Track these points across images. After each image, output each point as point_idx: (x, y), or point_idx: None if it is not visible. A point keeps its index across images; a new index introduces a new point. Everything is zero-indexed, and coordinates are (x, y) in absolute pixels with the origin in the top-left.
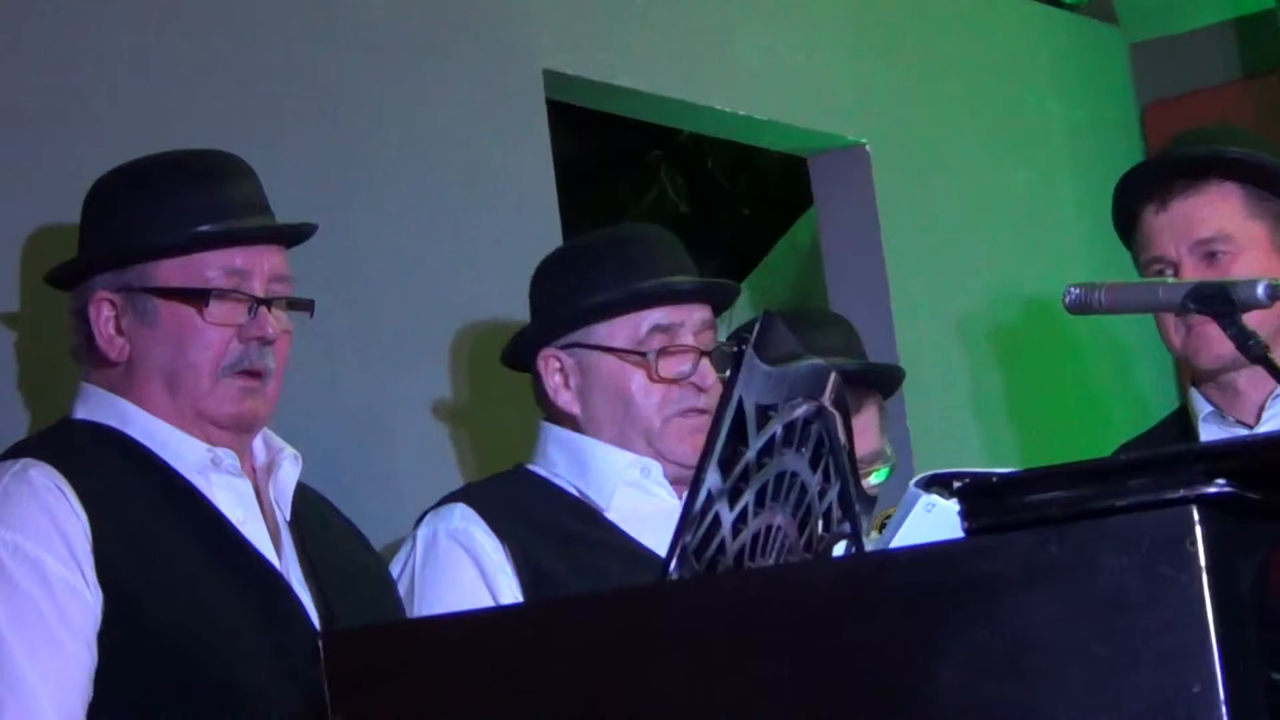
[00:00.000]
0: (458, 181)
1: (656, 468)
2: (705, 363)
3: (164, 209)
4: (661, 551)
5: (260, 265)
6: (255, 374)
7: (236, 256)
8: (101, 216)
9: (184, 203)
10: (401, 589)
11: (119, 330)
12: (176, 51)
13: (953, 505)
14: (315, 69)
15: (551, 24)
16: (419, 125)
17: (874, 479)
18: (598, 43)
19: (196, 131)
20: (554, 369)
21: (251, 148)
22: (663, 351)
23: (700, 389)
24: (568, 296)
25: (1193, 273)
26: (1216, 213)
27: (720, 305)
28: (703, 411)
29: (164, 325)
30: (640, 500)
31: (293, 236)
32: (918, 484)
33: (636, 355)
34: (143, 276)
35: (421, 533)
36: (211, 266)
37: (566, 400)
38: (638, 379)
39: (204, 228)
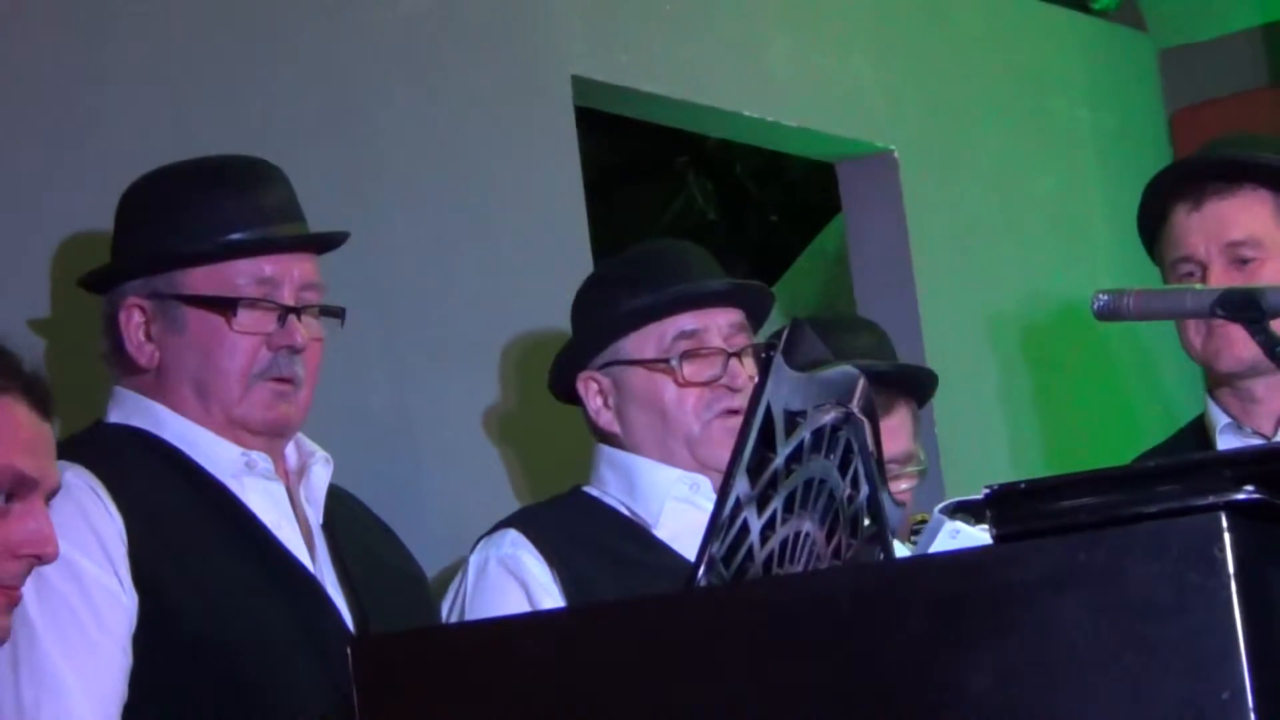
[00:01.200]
0: (486, 188)
1: (705, 483)
2: (735, 363)
3: (195, 216)
4: None
5: (290, 273)
6: (286, 380)
7: (266, 265)
8: (134, 222)
9: (215, 210)
10: (454, 616)
11: (149, 337)
12: (206, 58)
13: (977, 532)
14: (344, 76)
15: (580, 30)
16: (448, 131)
17: (906, 484)
18: (626, 49)
19: (226, 138)
20: (594, 391)
21: (280, 154)
22: (686, 355)
23: (732, 390)
24: (597, 315)
25: (1221, 275)
26: (1249, 217)
27: (753, 308)
28: (738, 413)
29: (193, 333)
30: (690, 516)
31: (324, 244)
32: (943, 510)
33: (662, 363)
34: (172, 284)
35: (474, 560)
36: (241, 275)
37: (608, 420)
38: (668, 387)
39: (234, 236)
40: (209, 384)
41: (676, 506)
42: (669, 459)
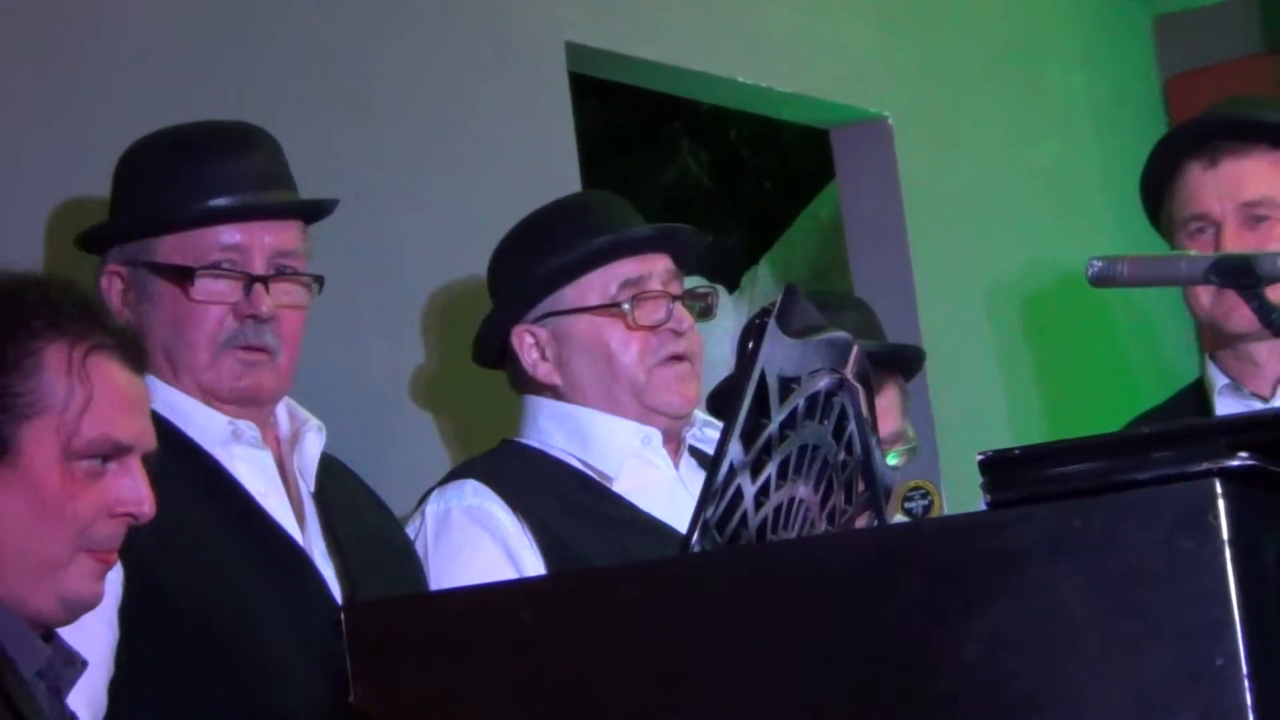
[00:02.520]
0: (480, 155)
1: (656, 436)
2: (679, 307)
3: (172, 183)
4: (670, 522)
5: (261, 240)
6: (256, 349)
7: (236, 233)
8: (123, 187)
9: (192, 177)
10: None
11: (125, 304)
12: (202, 22)
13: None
14: (337, 41)
15: None
16: (442, 99)
17: (889, 460)
18: (620, 15)
19: (221, 102)
20: (529, 344)
21: (274, 121)
22: (637, 299)
23: (678, 333)
24: (527, 270)
25: (1234, 234)
26: (1264, 177)
27: (684, 253)
28: (684, 358)
29: (160, 302)
30: (644, 471)
31: (309, 212)
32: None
33: (611, 308)
34: (146, 251)
35: (431, 509)
36: (207, 243)
37: (546, 372)
38: (616, 332)
39: (207, 203)
40: (176, 353)
41: (634, 464)
42: (615, 408)
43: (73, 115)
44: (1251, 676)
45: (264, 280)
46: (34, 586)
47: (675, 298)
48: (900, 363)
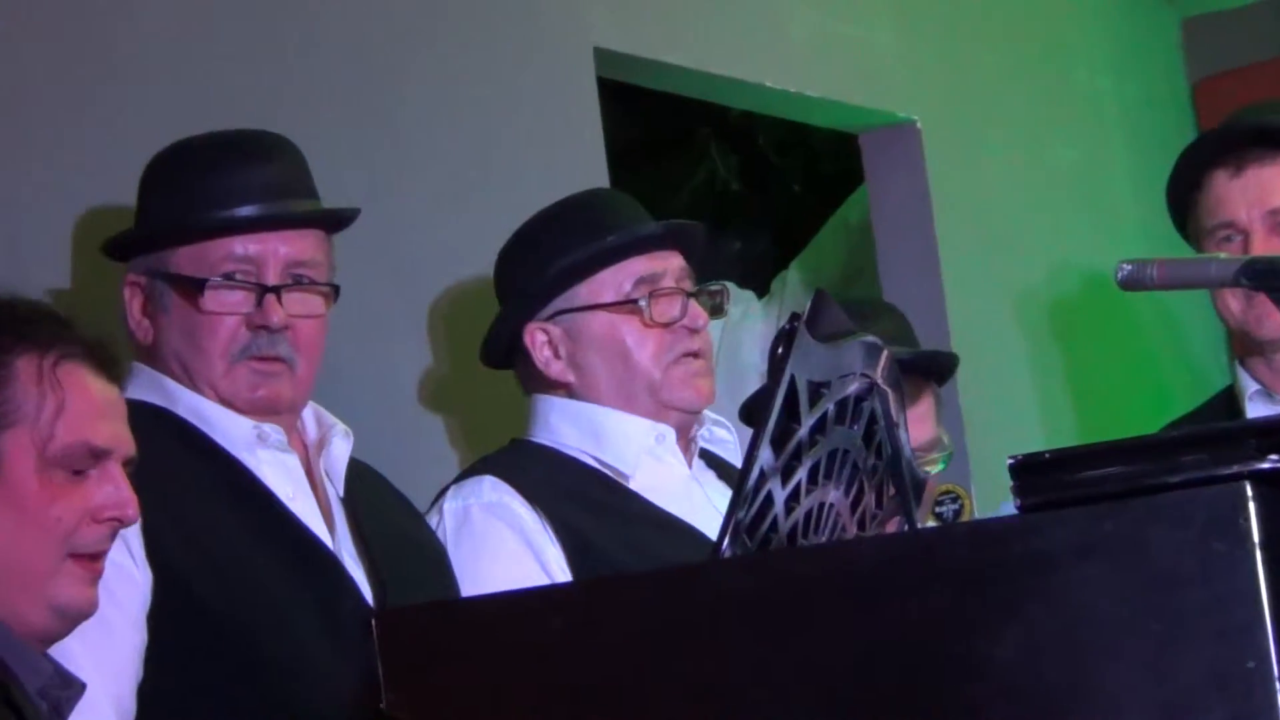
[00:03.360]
0: (510, 161)
1: (670, 434)
2: (693, 304)
3: (190, 193)
4: (686, 519)
5: (276, 251)
6: (270, 359)
7: (249, 244)
8: (145, 196)
9: (209, 187)
10: None
11: (145, 314)
12: (228, 31)
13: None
14: (366, 49)
15: (603, 2)
16: (471, 104)
17: (934, 470)
18: (649, 20)
19: (246, 111)
20: (541, 342)
21: (302, 128)
22: (652, 295)
23: (693, 330)
24: (540, 268)
25: (1262, 241)
26: None
27: (690, 252)
28: (698, 355)
29: (175, 312)
30: (658, 469)
31: (320, 221)
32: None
33: (628, 304)
34: (163, 262)
35: (450, 507)
36: (219, 254)
37: (559, 370)
38: (631, 330)
39: (220, 213)
40: (191, 363)
41: (650, 462)
42: (629, 405)
43: (100, 123)
44: None
45: (277, 290)
46: (26, 599)
47: (689, 294)
48: (935, 370)
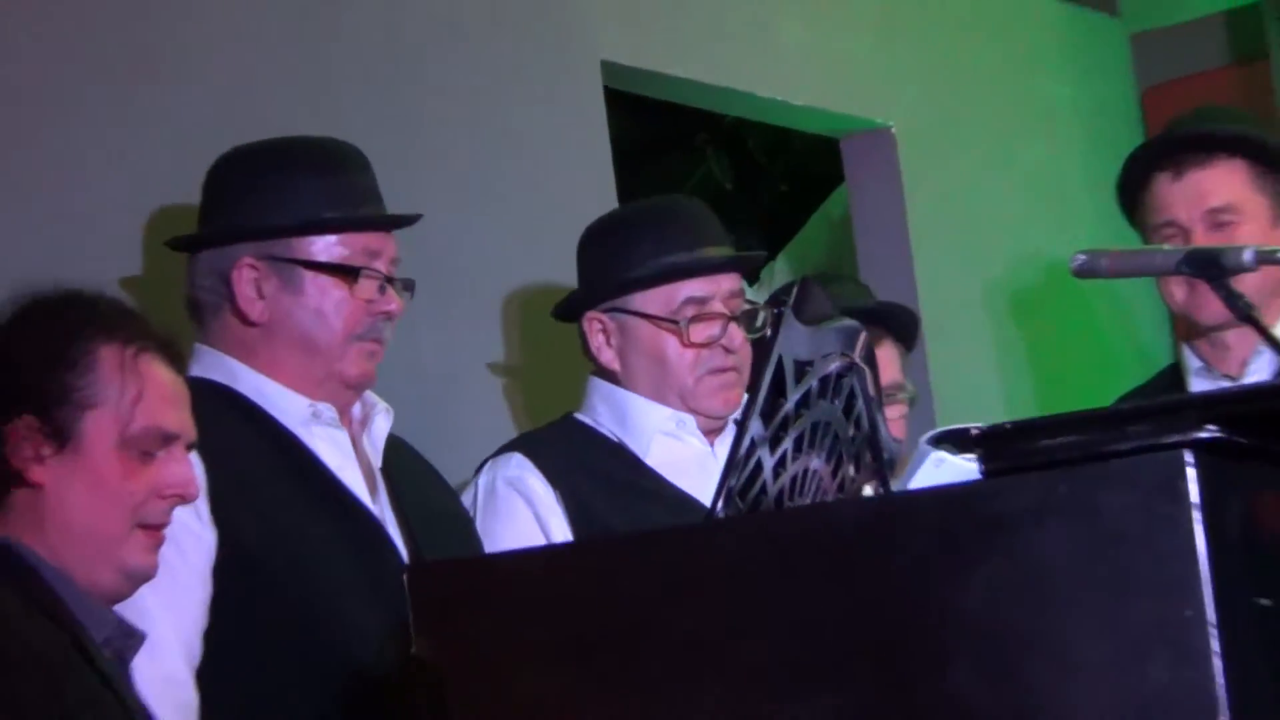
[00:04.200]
0: (526, 164)
1: (691, 420)
2: (734, 326)
3: (305, 192)
4: (696, 495)
5: (387, 248)
6: (377, 341)
7: (372, 240)
8: (239, 192)
9: (322, 187)
10: None
11: (260, 294)
12: (272, 51)
13: (959, 461)
14: (395, 63)
15: (609, 18)
16: (490, 113)
17: (899, 408)
18: (651, 36)
19: (288, 123)
20: (597, 329)
21: (343, 136)
22: (694, 319)
23: (729, 350)
24: (609, 267)
25: (1202, 237)
26: (1226, 184)
27: (751, 272)
28: (732, 370)
29: (309, 294)
30: (676, 448)
31: (405, 224)
32: (928, 441)
33: (670, 323)
34: (290, 249)
35: (482, 480)
36: (352, 246)
37: (609, 358)
38: (672, 344)
39: (353, 212)
40: (317, 341)
41: (664, 440)
42: (660, 400)
43: (162, 138)
44: (1217, 625)
45: (392, 282)
46: (98, 562)
47: (732, 318)
48: (892, 321)
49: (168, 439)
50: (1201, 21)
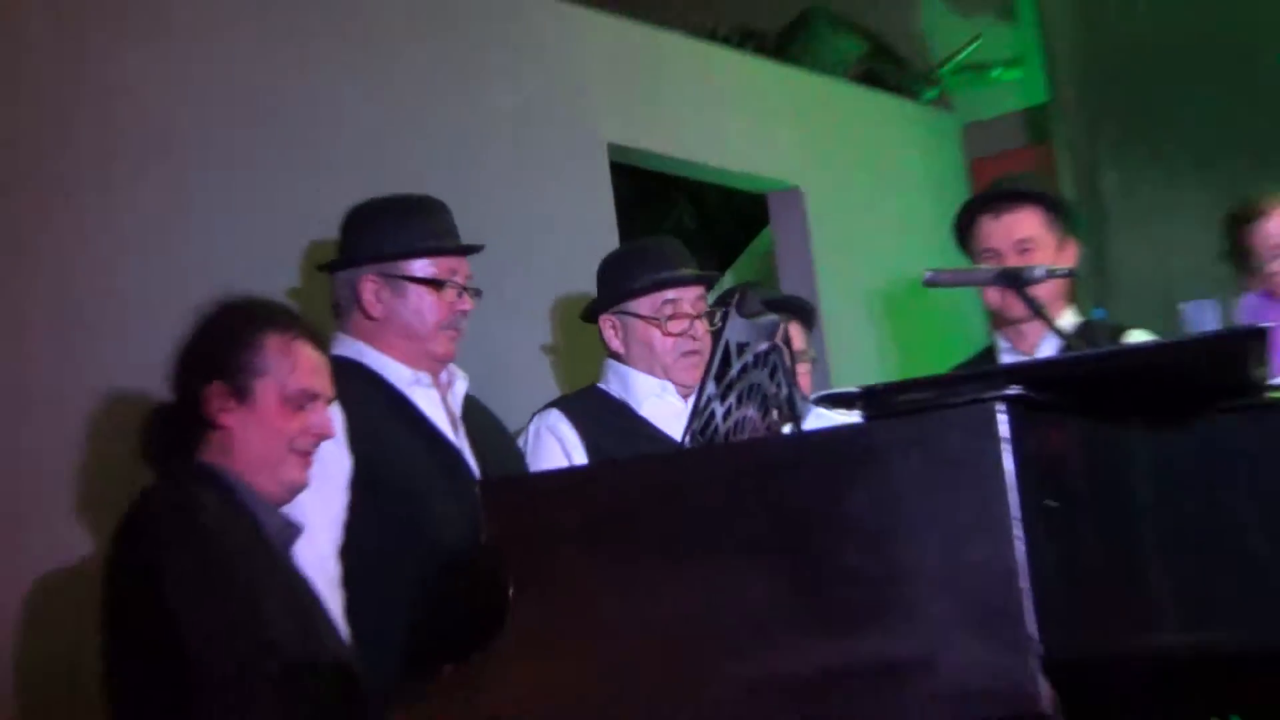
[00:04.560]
0: (556, 216)
1: (670, 386)
2: (698, 322)
3: (407, 230)
4: (673, 435)
5: (462, 267)
6: (456, 330)
7: (453, 263)
8: (364, 231)
9: (419, 227)
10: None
11: (378, 299)
12: (381, 146)
13: (835, 415)
14: (453, 150)
15: (612, 114)
16: (518, 185)
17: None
18: (640, 125)
19: (390, 181)
20: (608, 326)
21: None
22: (671, 317)
23: (694, 338)
24: (616, 283)
25: (1011, 260)
26: (1028, 223)
27: (709, 284)
28: (697, 352)
29: (410, 299)
30: (660, 405)
31: (474, 251)
32: (814, 401)
33: (655, 320)
34: (398, 269)
35: (532, 427)
36: (439, 266)
37: (616, 346)
38: (656, 335)
39: (433, 244)
40: (417, 330)
41: (653, 400)
42: (650, 374)
43: (311, 187)
44: (1020, 524)
45: (466, 290)
46: (266, 477)
47: (696, 316)
48: (799, 309)
49: (313, 396)
50: (1009, 115)
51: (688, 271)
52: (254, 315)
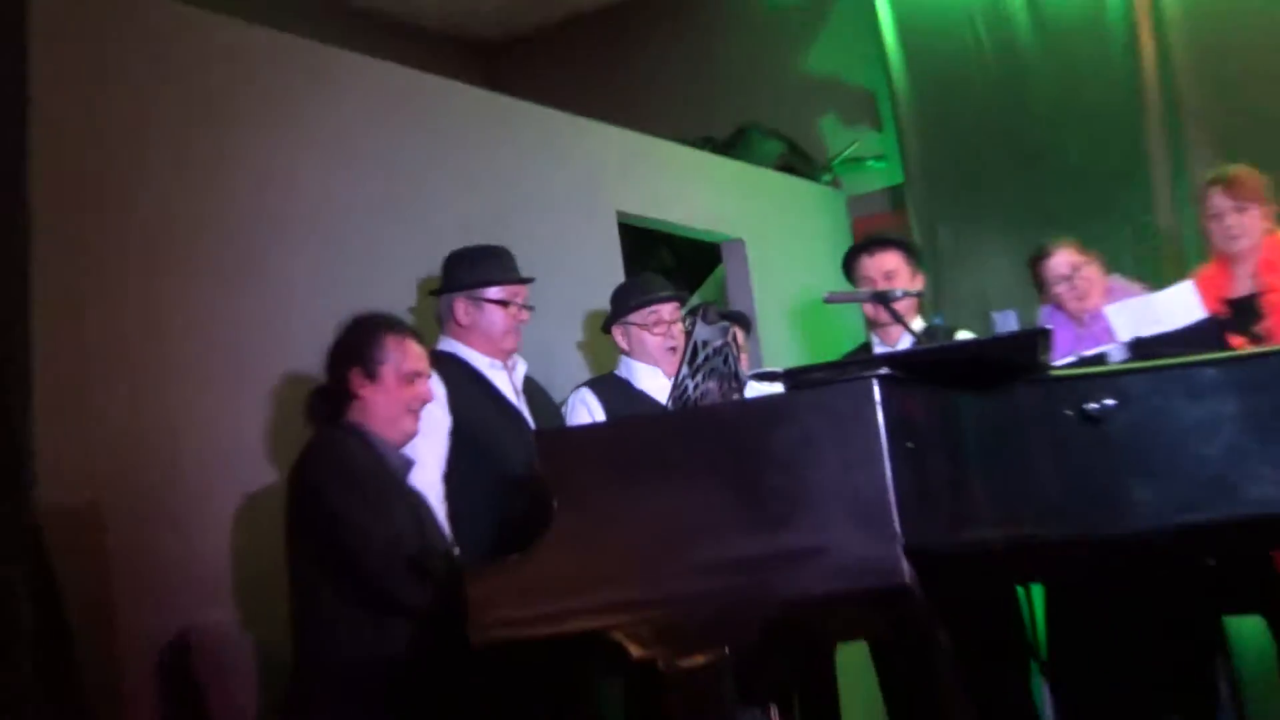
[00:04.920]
0: (582, 262)
1: (660, 371)
2: (675, 327)
3: (485, 268)
4: (662, 401)
5: (521, 292)
6: (516, 334)
7: (515, 289)
8: (457, 268)
9: (494, 265)
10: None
11: (466, 314)
12: (464, 215)
13: (764, 386)
14: (515, 226)
15: (619, 192)
16: (545, 247)
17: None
18: (639, 199)
19: (469, 240)
20: (620, 333)
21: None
22: (656, 324)
23: (673, 338)
24: (622, 303)
25: (880, 285)
26: (892, 261)
27: (681, 302)
28: (675, 348)
29: (488, 312)
30: (654, 383)
31: (529, 281)
32: (751, 377)
33: (645, 325)
34: (480, 294)
35: (570, 399)
36: (505, 291)
37: (624, 346)
38: (647, 335)
39: (506, 275)
40: (491, 334)
41: (649, 379)
42: (646, 363)
43: (422, 237)
44: (888, 458)
45: (525, 308)
46: (391, 429)
47: (672, 322)
48: (739, 319)
49: (419, 374)
50: (878, 191)
51: (666, 293)
52: (377, 323)
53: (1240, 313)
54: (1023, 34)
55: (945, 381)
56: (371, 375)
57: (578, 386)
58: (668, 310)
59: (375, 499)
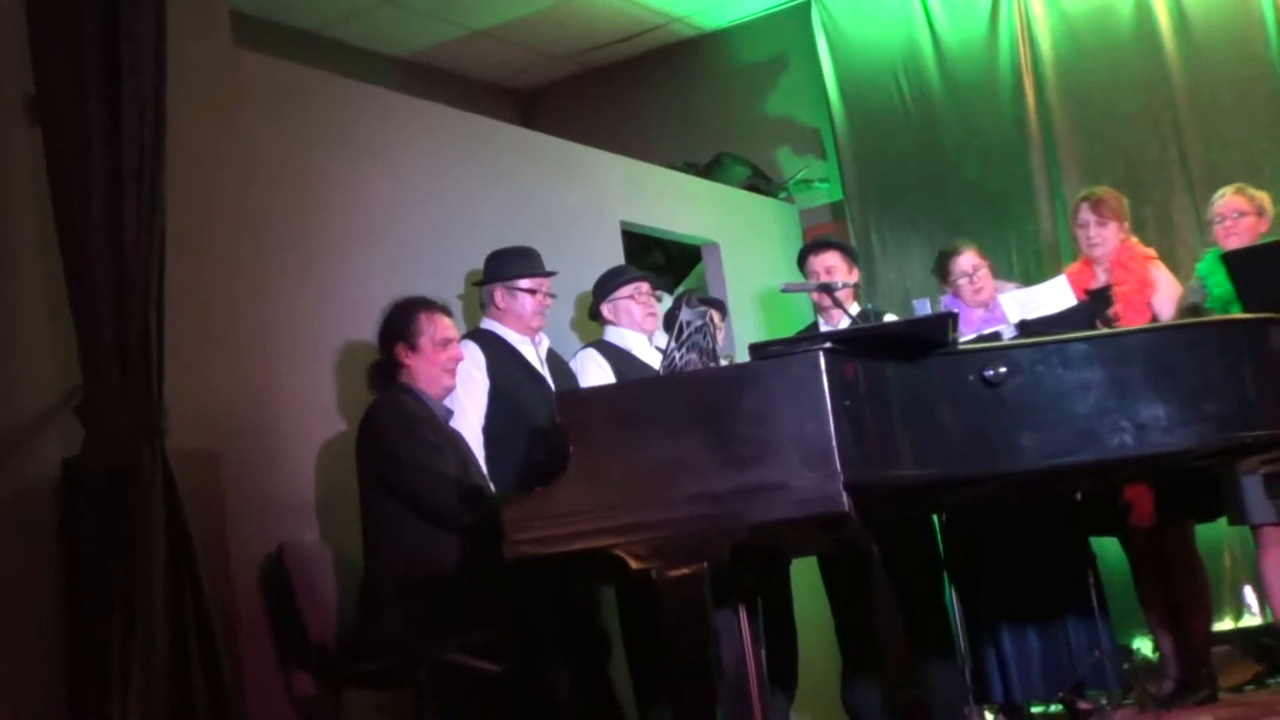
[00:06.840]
0: (590, 263)
1: (644, 337)
2: (652, 300)
3: (518, 263)
4: (655, 366)
5: (546, 283)
6: (541, 315)
7: (541, 280)
8: (496, 264)
9: (525, 261)
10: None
11: (502, 300)
12: (495, 226)
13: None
14: (539, 233)
15: (621, 204)
16: (555, 255)
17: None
18: (637, 210)
19: (496, 239)
20: (608, 310)
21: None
22: (637, 295)
23: (651, 307)
24: (606, 286)
25: (824, 278)
26: (833, 259)
27: (651, 282)
28: (653, 314)
29: (520, 299)
30: (645, 348)
31: (552, 275)
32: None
33: (629, 299)
34: (513, 284)
35: (577, 356)
36: (534, 282)
37: (612, 319)
38: (632, 306)
39: (534, 271)
40: (523, 316)
41: (641, 346)
42: (634, 329)
43: (467, 241)
44: (831, 414)
45: (549, 295)
46: (434, 385)
47: (648, 295)
48: (716, 304)
49: (450, 340)
50: (823, 205)
51: (640, 273)
52: (412, 304)
53: (1097, 301)
54: (934, 84)
55: (875, 354)
56: (413, 347)
57: (584, 347)
58: (645, 286)
59: (429, 442)
